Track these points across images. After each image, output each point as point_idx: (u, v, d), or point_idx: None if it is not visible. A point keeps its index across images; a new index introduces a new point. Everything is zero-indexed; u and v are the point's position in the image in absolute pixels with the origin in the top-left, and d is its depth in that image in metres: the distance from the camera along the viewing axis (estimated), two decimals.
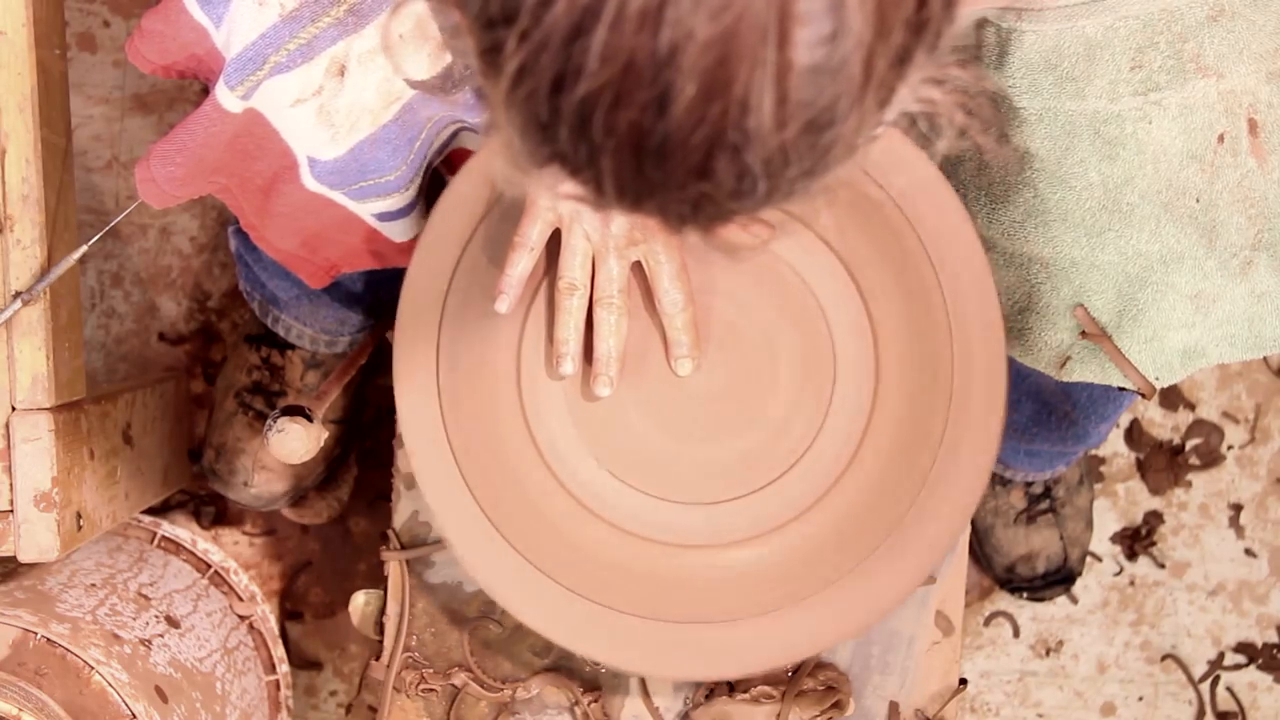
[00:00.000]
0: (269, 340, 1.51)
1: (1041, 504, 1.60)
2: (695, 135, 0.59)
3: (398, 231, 1.09)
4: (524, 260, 1.03)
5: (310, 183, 1.02)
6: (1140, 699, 1.71)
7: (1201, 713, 1.71)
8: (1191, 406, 1.71)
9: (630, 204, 0.63)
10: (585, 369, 1.09)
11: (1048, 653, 1.71)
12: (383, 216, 1.07)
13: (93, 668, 1.20)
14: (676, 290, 1.04)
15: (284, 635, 1.63)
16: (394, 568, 1.19)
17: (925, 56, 0.62)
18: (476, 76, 0.63)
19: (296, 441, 1.04)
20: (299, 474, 1.54)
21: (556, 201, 1.01)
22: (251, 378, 1.52)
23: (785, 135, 0.59)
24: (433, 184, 1.10)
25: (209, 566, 1.53)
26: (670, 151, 0.59)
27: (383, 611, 1.20)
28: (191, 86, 1.64)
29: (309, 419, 1.04)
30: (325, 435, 1.07)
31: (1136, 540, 1.70)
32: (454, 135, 1.08)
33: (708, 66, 0.57)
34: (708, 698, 1.17)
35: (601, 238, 1.03)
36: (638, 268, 1.06)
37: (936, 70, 0.64)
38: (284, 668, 1.55)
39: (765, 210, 0.64)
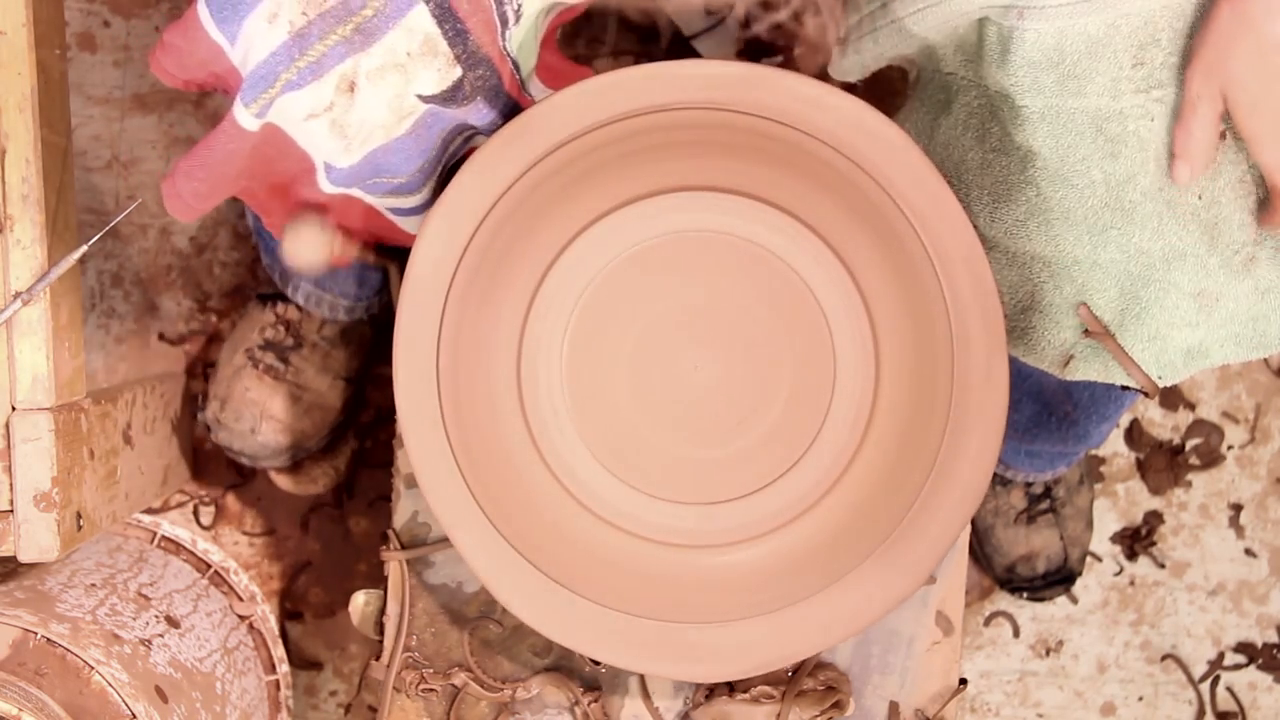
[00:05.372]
0: (284, 298, 1.52)
1: (1041, 504, 1.60)
2: None
3: (414, 226, 1.11)
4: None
5: (327, 186, 1.03)
6: (1140, 699, 1.71)
7: (1201, 713, 1.71)
8: (1191, 406, 1.71)
9: None
10: (585, 362, 1.09)
11: (1048, 653, 1.71)
12: (398, 212, 1.08)
13: (93, 668, 1.20)
14: None
15: (284, 635, 1.63)
16: (394, 568, 1.19)
17: None
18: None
19: (312, 233, 1.08)
20: (303, 431, 1.53)
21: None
22: (264, 335, 1.52)
23: None
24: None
25: (209, 566, 1.52)
26: None
27: (383, 611, 1.20)
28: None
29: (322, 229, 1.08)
30: (338, 243, 1.10)
31: (1136, 540, 1.70)
32: (467, 140, 1.09)
33: None
34: (708, 698, 1.17)
35: None
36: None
37: None
38: (284, 668, 1.55)
39: None
